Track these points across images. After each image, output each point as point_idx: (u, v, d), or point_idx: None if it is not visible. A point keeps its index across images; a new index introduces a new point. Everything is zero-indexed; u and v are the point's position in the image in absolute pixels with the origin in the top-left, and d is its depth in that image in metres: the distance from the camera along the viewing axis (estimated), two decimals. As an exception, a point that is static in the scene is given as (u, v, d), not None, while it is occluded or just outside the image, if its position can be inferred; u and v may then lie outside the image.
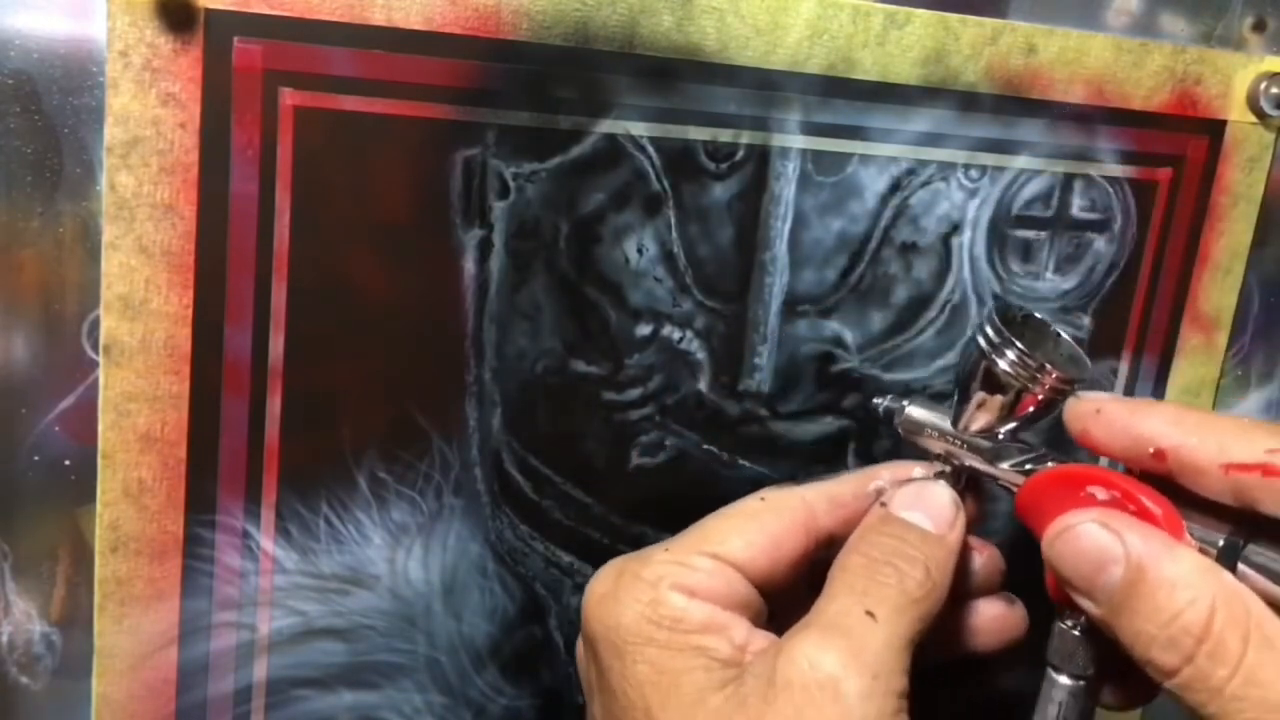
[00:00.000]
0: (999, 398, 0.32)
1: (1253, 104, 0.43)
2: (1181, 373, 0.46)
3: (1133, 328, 0.44)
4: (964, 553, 0.33)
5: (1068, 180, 0.41)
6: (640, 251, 0.36)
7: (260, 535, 0.34)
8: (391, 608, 0.36)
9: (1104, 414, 0.30)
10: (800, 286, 0.39)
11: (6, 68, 0.29)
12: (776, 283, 0.38)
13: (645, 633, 0.30)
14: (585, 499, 0.38)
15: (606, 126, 0.35)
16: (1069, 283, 0.43)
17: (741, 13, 0.35)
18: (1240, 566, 0.27)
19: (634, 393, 0.37)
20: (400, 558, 0.36)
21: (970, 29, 0.38)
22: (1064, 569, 0.29)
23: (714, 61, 0.35)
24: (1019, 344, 0.32)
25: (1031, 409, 0.32)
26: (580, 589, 0.38)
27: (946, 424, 0.34)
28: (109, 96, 0.30)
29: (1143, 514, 0.28)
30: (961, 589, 0.34)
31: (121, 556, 0.32)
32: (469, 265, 0.34)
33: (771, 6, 0.36)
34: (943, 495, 0.33)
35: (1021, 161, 0.40)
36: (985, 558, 0.35)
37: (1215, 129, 0.43)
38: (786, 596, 0.32)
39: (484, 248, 0.34)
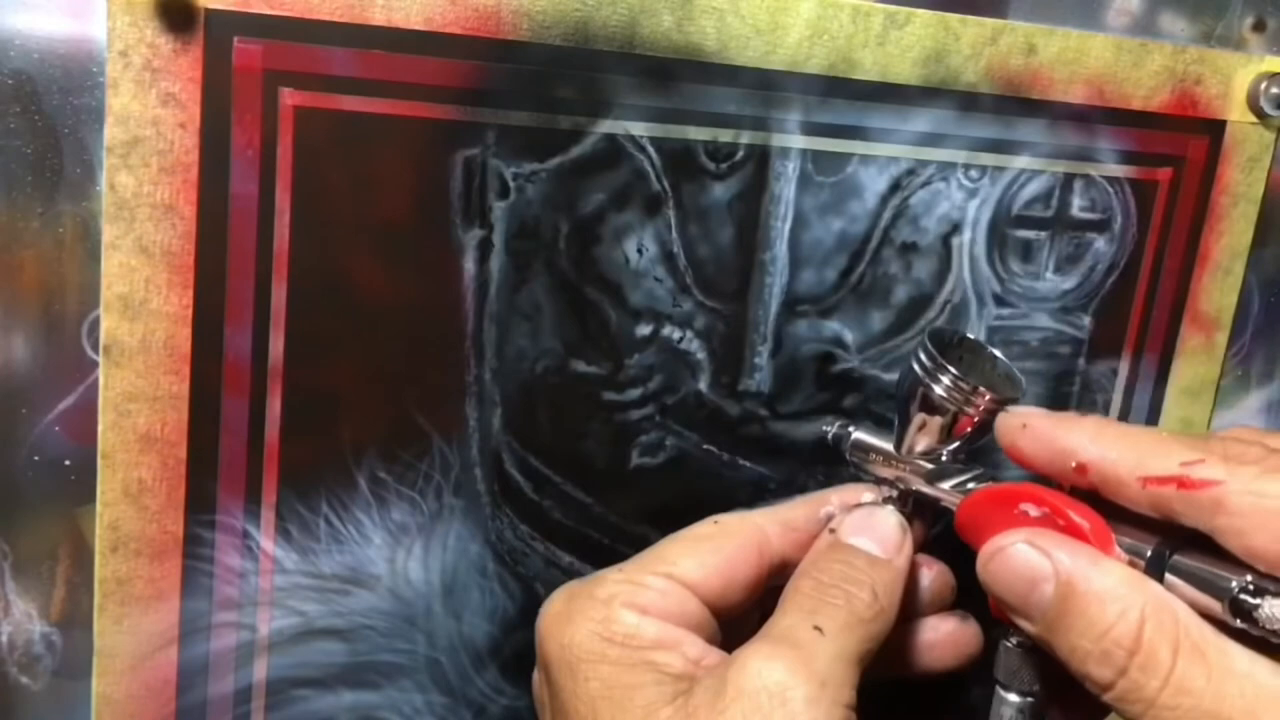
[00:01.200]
0: (937, 419, 0.33)
1: (1253, 104, 0.43)
2: (1181, 373, 0.46)
3: (1133, 328, 0.44)
4: (913, 572, 0.34)
5: (1068, 180, 0.41)
6: (640, 251, 0.36)
7: (260, 535, 0.34)
8: (391, 608, 0.36)
9: (1030, 428, 0.31)
10: (800, 286, 0.39)
11: (6, 68, 0.29)
12: (776, 283, 0.38)
13: (597, 650, 0.30)
14: (585, 499, 0.38)
15: (606, 126, 0.35)
16: (1069, 283, 0.43)
17: (741, 13, 0.35)
18: (1168, 576, 0.27)
19: (634, 393, 0.37)
20: (400, 558, 0.36)
21: (970, 29, 0.38)
22: (999, 589, 0.29)
23: (714, 61, 0.35)
24: (952, 368, 0.32)
25: (969, 430, 0.33)
26: (580, 589, 0.38)
27: (890, 447, 0.35)
28: (109, 96, 0.30)
29: (1071, 529, 0.29)
30: (913, 607, 0.35)
31: (121, 556, 0.32)
32: (469, 265, 0.34)
33: (771, 6, 0.36)
34: (889, 520, 0.34)
35: (1021, 161, 0.40)
36: (934, 574, 0.36)
37: (1215, 129, 0.43)
38: (738, 621, 0.33)
39: (484, 248, 0.34)
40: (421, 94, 0.32)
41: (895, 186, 0.39)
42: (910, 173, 0.39)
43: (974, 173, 0.40)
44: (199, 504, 0.33)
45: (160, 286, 0.31)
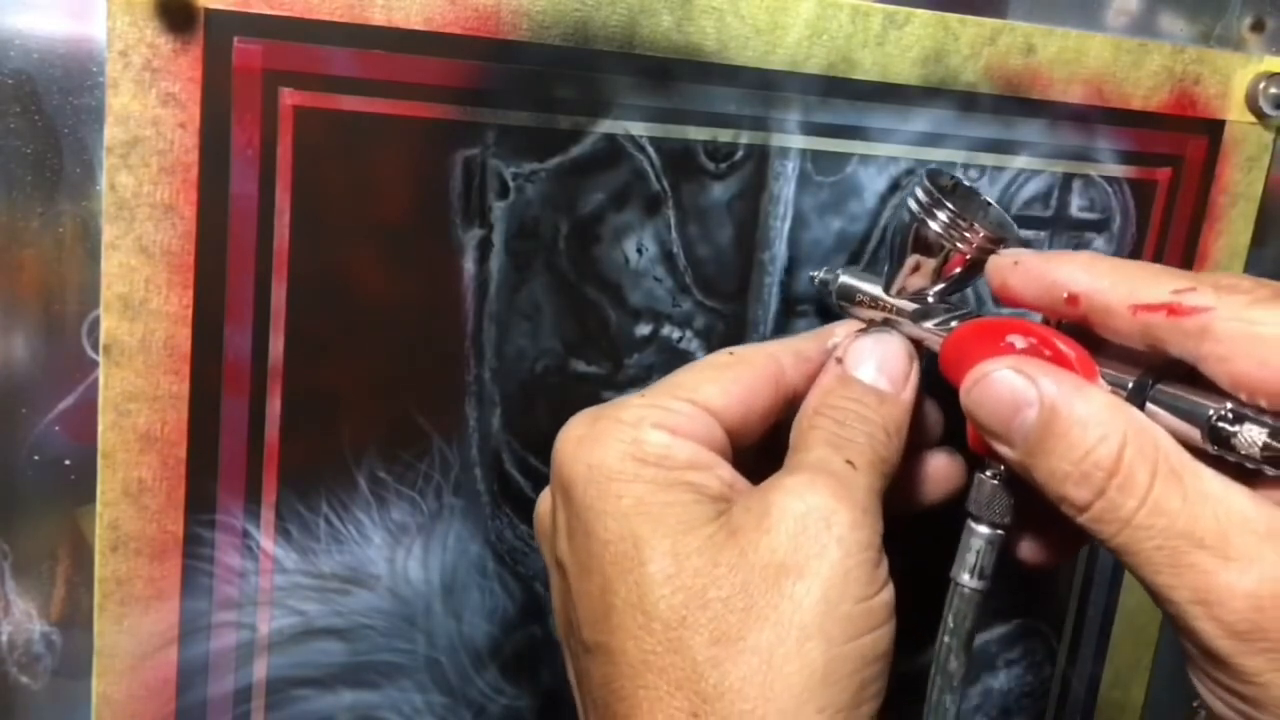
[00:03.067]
0: (930, 260, 0.33)
1: (1252, 104, 0.43)
2: (1181, 372, 0.46)
3: (1132, 327, 0.44)
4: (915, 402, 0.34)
5: (1067, 180, 0.41)
6: (640, 251, 0.36)
7: (260, 535, 0.34)
8: (391, 608, 0.36)
9: (1021, 264, 0.31)
10: (800, 286, 0.39)
11: (6, 68, 0.29)
12: (776, 283, 0.38)
13: (630, 470, 0.29)
14: (585, 499, 0.38)
15: (606, 126, 0.35)
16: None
17: (741, 13, 0.35)
18: (1149, 405, 0.28)
19: (634, 392, 0.37)
20: (400, 558, 0.36)
21: (970, 29, 0.38)
22: (981, 415, 0.29)
23: (713, 61, 0.35)
24: (949, 205, 0.32)
25: (960, 269, 0.33)
26: (580, 589, 0.38)
27: (878, 290, 0.35)
28: (109, 96, 0.30)
29: (1058, 358, 0.29)
30: (910, 442, 0.35)
31: (121, 556, 0.32)
32: (469, 265, 0.34)
33: (771, 6, 0.36)
34: (896, 349, 0.33)
35: (1021, 161, 0.41)
36: (925, 411, 0.36)
37: (1214, 129, 0.43)
38: (747, 454, 0.32)
39: (484, 248, 0.34)
40: (421, 94, 0.32)
41: (895, 186, 0.39)
42: (910, 173, 0.39)
43: (973, 173, 0.40)
44: (199, 504, 0.33)
45: (160, 286, 0.31)
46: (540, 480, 0.37)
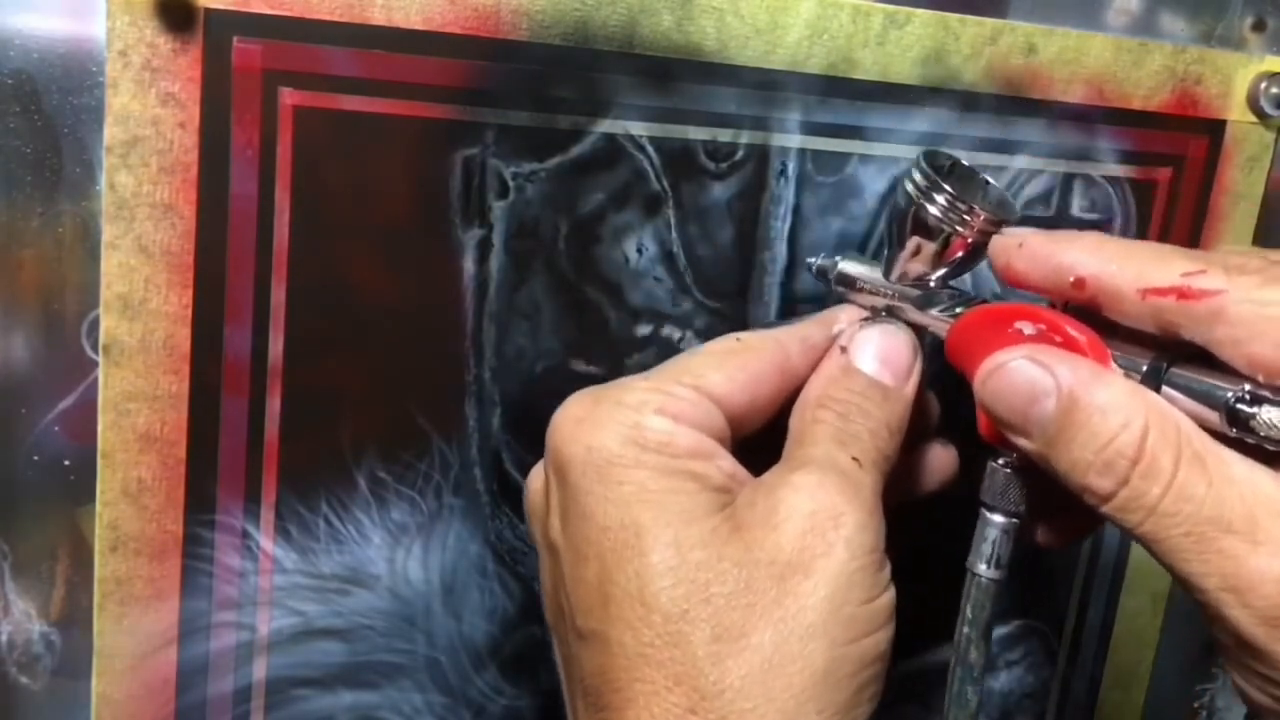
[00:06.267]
0: (930, 244, 0.32)
1: (1253, 104, 0.43)
2: (1182, 373, 0.46)
3: (1133, 328, 0.44)
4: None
5: (1068, 180, 0.41)
6: (640, 251, 0.36)
7: (260, 535, 0.34)
8: (391, 608, 0.36)
9: (1026, 246, 0.30)
10: (800, 286, 0.39)
11: (6, 68, 0.29)
12: (776, 283, 0.38)
13: (631, 455, 0.29)
14: (585, 499, 0.38)
15: (606, 126, 0.35)
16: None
17: (741, 12, 0.35)
18: (1164, 389, 0.27)
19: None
20: (400, 558, 0.36)
21: (970, 29, 0.38)
22: (997, 407, 0.29)
23: (714, 61, 0.35)
24: (948, 187, 0.31)
25: (961, 253, 0.32)
26: (580, 589, 0.38)
27: (878, 276, 0.34)
28: (109, 96, 0.30)
29: (1069, 344, 0.28)
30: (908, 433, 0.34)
31: (121, 556, 0.32)
32: (469, 265, 0.34)
33: (771, 6, 0.36)
34: (901, 342, 0.33)
35: (1021, 161, 0.40)
36: (923, 403, 0.35)
37: (1215, 129, 0.43)
38: (748, 440, 0.32)
39: (484, 248, 0.34)
40: (421, 94, 0.32)
41: (895, 186, 0.39)
42: (910, 172, 0.39)
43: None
44: (199, 504, 0.33)
45: (160, 286, 0.31)
46: (540, 480, 0.37)
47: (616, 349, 0.37)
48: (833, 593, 0.27)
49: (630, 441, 0.29)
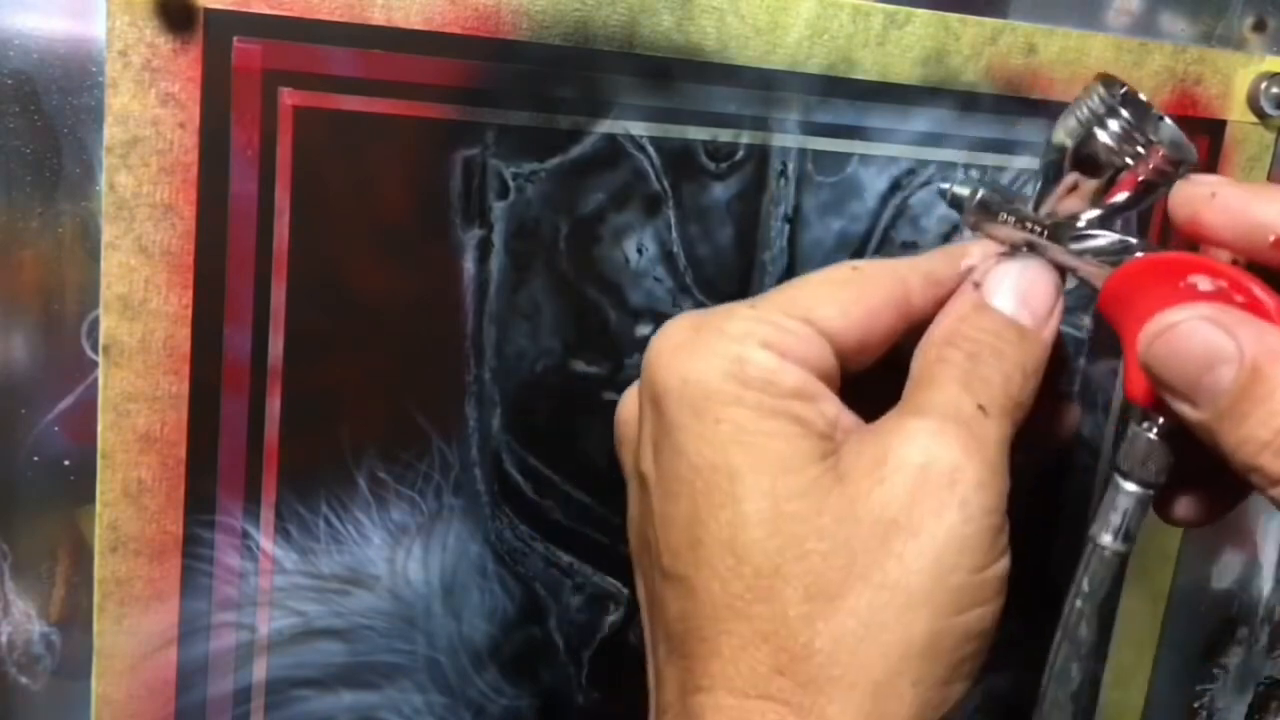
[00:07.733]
0: (1090, 180, 0.29)
1: (1253, 104, 0.43)
2: (1182, 373, 0.45)
3: (1133, 328, 0.44)
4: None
5: (1068, 180, 0.41)
6: (640, 251, 0.36)
7: (260, 535, 0.34)
8: (391, 608, 0.36)
9: (1219, 198, 0.27)
10: (800, 286, 0.39)
11: (6, 68, 0.29)
12: (776, 283, 0.38)
13: (730, 391, 0.26)
14: (585, 499, 0.38)
15: (606, 126, 0.35)
16: (1069, 282, 0.43)
17: (741, 12, 0.35)
18: None
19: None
20: (400, 558, 0.36)
21: (970, 29, 0.38)
22: (1164, 370, 0.26)
23: (714, 61, 0.35)
24: (1126, 113, 0.28)
25: (1128, 193, 0.29)
26: (580, 589, 0.38)
27: (1025, 208, 0.30)
28: (108, 96, 0.30)
29: (1254, 306, 0.25)
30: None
31: (121, 556, 0.32)
32: (469, 265, 0.34)
33: (771, 6, 0.36)
34: (1044, 280, 0.29)
35: (1022, 161, 0.40)
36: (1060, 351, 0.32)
37: (1215, 129, 0.43)
38: (857, 383, 0.29)
39: (484, 248, 0.34)
40: (421, 94, 0.32)
41: (895, 186, 0.39)
42: (910, 173, 0.39)
43: (974, 173, 0.40)
44: (198, 504, 0.33)
45: (160, 286, 0.31)
46: (541, 481, 0.37)
47: (617, 349, 0.37)
48: (940, 558, 0.25)
49: (730, 376, 0.27)
